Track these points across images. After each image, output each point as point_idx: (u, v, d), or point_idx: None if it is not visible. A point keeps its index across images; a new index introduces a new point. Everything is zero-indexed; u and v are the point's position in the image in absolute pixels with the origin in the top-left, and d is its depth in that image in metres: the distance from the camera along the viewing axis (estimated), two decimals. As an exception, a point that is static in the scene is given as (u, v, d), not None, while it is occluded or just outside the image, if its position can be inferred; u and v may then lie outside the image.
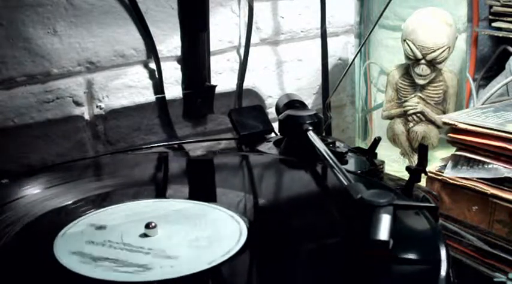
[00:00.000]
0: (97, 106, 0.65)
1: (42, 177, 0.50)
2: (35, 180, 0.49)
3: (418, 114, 0.66)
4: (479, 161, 0.54)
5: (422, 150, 0.46)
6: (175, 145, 0.67)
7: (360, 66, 0.72)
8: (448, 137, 0.57)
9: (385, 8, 0.61)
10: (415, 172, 0.46)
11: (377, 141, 0.54)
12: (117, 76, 0.65)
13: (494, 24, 0.88)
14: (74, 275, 0.34)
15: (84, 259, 0.35)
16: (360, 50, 0.69)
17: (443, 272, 0.32)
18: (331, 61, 0.80)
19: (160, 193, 0.50)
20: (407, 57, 0.64)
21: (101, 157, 0.62)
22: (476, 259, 0.50)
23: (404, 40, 0.64)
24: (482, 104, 0.76)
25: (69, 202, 0.45)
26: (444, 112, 0.65)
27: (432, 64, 0.64)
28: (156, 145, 0.65)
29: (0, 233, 0.39)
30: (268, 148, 0.59)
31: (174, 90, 0.69)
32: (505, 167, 0.51)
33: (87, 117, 0.64)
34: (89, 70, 0.63)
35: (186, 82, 0.70)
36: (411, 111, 0.66)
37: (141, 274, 0.34)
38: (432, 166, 0.57)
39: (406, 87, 0.66)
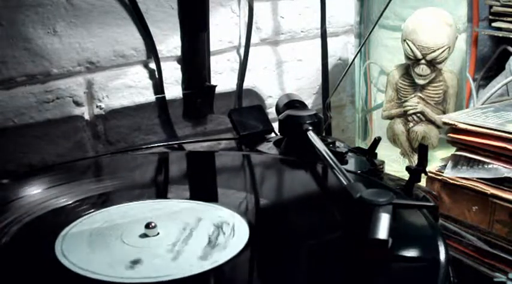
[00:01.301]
0: (97, 106, 0.65)
1: (42, 177, 0.50)
2: (35, 180, 0.49)
3: (418, 114, 0.66)
4: (479, 161, 0.54)
5: (422, 150, 0.46)
6: (175, 145, 0.67)
7: (360, 66, 0.72)
8: (448, 137, 0.57)
9: (385, 8, 0.61)
10: (415, 172, 0.46)
11: (377, 141, 0.54)
12: (117, 76, 0.65)
13: (494, 24, 0.88)
14: (74, 275, 0.34)
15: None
16: (360, 50, 0.69)
17: (443, 272, 0.32)
18: (331, 61, 0.80)
19: (161, 193, 0.50)
20: (407, 57, 0.64)
21: (101, 157, 0.62)
22: (476, 259, 0.50)
23: (404, 40, 0.64)
24: (482, 104, 0.76)
25: (69, 202, 0.45)
26: (444, 112, 0.65)
27: (432, 64, 0.64)
28: (156, 145, 0.65)
29: (0, 233, 0.39)
30: (268, 148, 0.59)
31: (174, 90, 0.69)
32: (505, 167, 0.51)
33: (87, 117, 0.64)
34: (89, 70, 0.63)
35: (186, 82, 0.70)
36: (411, 111, 0.66)
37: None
38: (432, 166, 0.57)
39: (406, 87, 0.66)
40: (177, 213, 0.43)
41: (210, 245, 0.37)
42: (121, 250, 0.37)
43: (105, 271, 0.34)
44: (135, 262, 0.35)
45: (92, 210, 0.43)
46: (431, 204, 0.38)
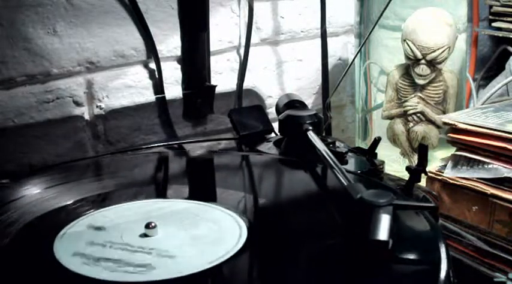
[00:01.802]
0: (97, 106, 0.65)
1: (42, 177, 0.50)
2: (35, 180, 0.49)
3: (418, 114, 0.66)
4: (479, 161, 0.53)
5: (422, 150, 0.46)
6: (175, 145, 0.67)
7: (360, 66, 0.72)
8: (448, 137, 0.56)
9: (385, 8, 0.61)
10: (415, 172, 0.46)
11: (377, 141, 0.54)
12: (117, 76, 0.65)
13: (494, 24, 0.88)
14: (74, 276, 0.34)
15: (84, 260, 0.35)
16: (360, 50, 0.69)
17: (443, 272, 0.32)
18: (331, 61, 0.80)
19: (160, 193, 0.50)
20: (407, 57, 0.64)
21: (101, 157, 0.62)
22: (476, 259, 0.50)
23: (404, 40, 0.64)
24: (482, 104, 0.76)
25: (69, 202, 0.45)
26: (444, 112, 0.65)
27: (432, 64, 0.64)
28: (156, 145, 0.65)
29: (0, 233, 0.39)
30: (268, 148, 0.59)
31: (174, 90, 0.69)
32: (505, 167, 0.51)
33: (87, 117, 0.64)
34: (89, 70, 0.63)
35: (186, 82, 0.70)
36: (411, 111, 0.66)
37: (142, 274, 0.34)
38: (432, 166, 0.57)
39: (406, 87, 0.66)
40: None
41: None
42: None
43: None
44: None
45: (92, 210, 0.43)
46: (432, 205, 0.38)
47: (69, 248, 0.37)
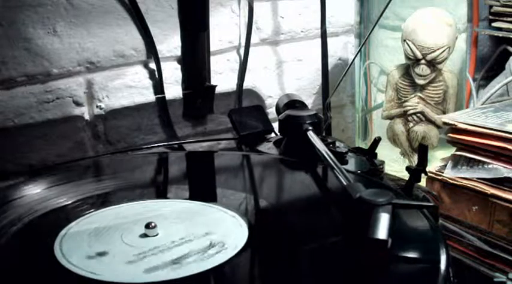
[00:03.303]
0: (97, 106, 0.65)
1: (42, 177, 0.50)
2: (35, 180, 0.49)
3: (418, 114, 0.66)
4: (479, 161, 0.53)
5: (422, 150, 0.46)
6: (175, 145, 0.67)
7: (360, 66, 0.72)
8: (448, 137, 0.56)
9: (385, 8, 0.61)
10: (415, 172, 0.46)
11: (377, 141, 0.54)
12: (117, 76, 0.65)
13: (494, 24, 0.88)
14: (74, 276, 0.34)
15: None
16: (360, 50, 0.69)
17: (443, 272, 0.32)
18: (331, 61, 0.80)
19: (161, 193, 0.50)
20: (407, 57, 0.64)
21: (101, 157, 0.62)
22: (476, 259, 0.50)
23: (404, 40, 0.64)
24: (482, 104, 0.76)
25: (69, 202, 0.45)
26: (444, 112, 0.65)
27: (432, 64, 0.64)
28: (156, 145, 0.65)
29: (0, 233, 0.39)
30: (268, 148, 0.59)
31: (174, 90, 0.69)
32: (505, 167, 0.51)
33: (87, 117, 0.64)
34: (89, 70, 0.63)
35: (186, 82, 0.70)
36: (411, 111, 0.66)
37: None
38: (432, 166, 0.57)
39: (406, 87, 0.66)
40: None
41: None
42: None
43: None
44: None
45: (92, 210, 0.43)
46: (431, 204, 0.38)
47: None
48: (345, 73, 0.68)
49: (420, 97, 0.66)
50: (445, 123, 0.56)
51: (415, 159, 0.67)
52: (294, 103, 0.62)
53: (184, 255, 0.36)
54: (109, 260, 0.35)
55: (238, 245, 0.37)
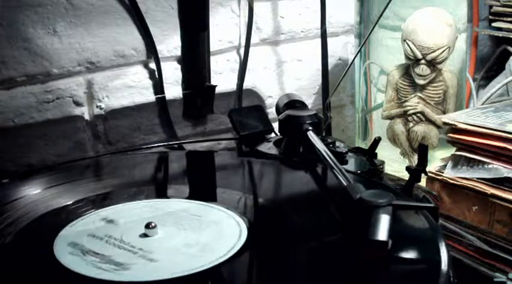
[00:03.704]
0: (97, 106, 0.65)
1: (42, 177, 0.50)
2: (35, 180, 0.49)
3: (418, 114, 0.66)
4: (479, 161, 0.54)
5: (422, 150, 0.46)
6: (175, 145, 0.67)
7: (360, 66, 0.72)
8: (448, 137, 0.57)
9: (385, 8, 0.61)
10: (415, 172, 0.46)
11: (377, 141, 0.54)
12: (117, 76, 0.65)
13: (494, 24, 0.88)
14: (74, 275, 0.34)
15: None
16: (360, 50, 0.69)
17: (443, 272, 0.32)
18: (331, 61, 0.80)
19: (161, 193, 0.50)
20: (407, 57, 0.64)
21: (101, 157, 0.62)
22: (476, 259, 0.50)
23: (404, 40, 0.64)
24: (482, 104, 0.76)
25: (69, 202, 0.45)
26: (444, 112, 0.65)
27: (432, 64, 0.64)
28: (156, 145, 0.65)
29: (0, 233, 0.39)
30: (268, 148, 0.59)
31: (174, 90, 0.69)
32: (505, 167, 0.51)
33: (87, 117, 0.64)
34: (89, 70, 0.63)
35: (186, 82, 0.70)
36: (411, 111, 0.66)
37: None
38: (432, 166, 0.57)
39: (406, 87, 0.66)
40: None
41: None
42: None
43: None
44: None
45: (92, 210, 0.43)
46: (432, 205, 0.38)
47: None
48: (345, 73, 0.68)
49: (420, 97, 0.66)
50: (445, 123, 0.56)
51: (415, 159, 0.67)
52: (294, 103, 0.62)
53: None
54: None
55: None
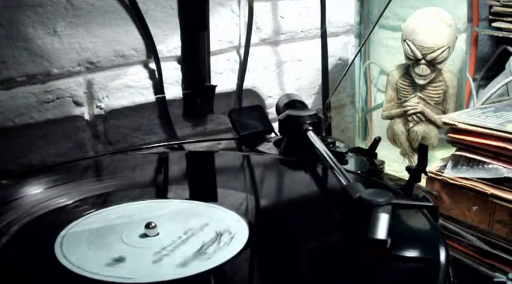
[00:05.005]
0: (97, 106, 0.65)
1: (42, 177, 0.50)
2: (35, 180, 0.49)
3: (418, 114, 0.66)
4: (479, 161, 0.54)
5: (422, 150, 0.46)
6: (175, 145, 0.67)
7: (360, 66, 0.72)
8: (448, 137, 0.57)
9: (385, 8, 0.61)
10: (415, 172, 0.46)
11: (377, 141, 0.54)
12: (117, 76, 0.65)
13: (494, 24, 0.88)
14: (74, 276, 0.34)
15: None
16: (360, 50, 0.69)
17: (443, 272, 0.32)
18: (331, 61, 0.80)
19: (161, 193, 0.50)
20: (407, 57, 0.64)
21: (101, 157, 0.62)
22: (476, 259, 0.50)
23: (404, 40, 0.64)
24: (482, 104, 0.76)
25: (69, 202, 0.45)
26: (444, 112, 0.65)
27: (432, 64, 0.64)
28: (156, 145, 0.65)
29: (0, 233, 0.39)
30: (268, 148, 0.59)
31: (174, 90, 0.69)
32: (505, 167, 0.51)
33: (87, 117, 0.64)
34: (89, 70, 0.63)
35: (186, 82, 0.70)
36: (411, 111, 0.66)
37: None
38: (432, 166, 0.57)
39: (406, 87, 0.66)
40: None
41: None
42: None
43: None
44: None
45: (92, 210, 0.43)
46: (431, 204, 0.38)
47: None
48: (345, 73, 0.68)
49: (420, 97, 0.66)
50: (445, 123, 0.56)
51: (415, 159, 0.67)
52: (294, 103, 0.62)
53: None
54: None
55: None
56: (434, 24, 0.63)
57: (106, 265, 0.35)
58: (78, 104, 0.63)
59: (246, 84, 0.75)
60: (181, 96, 0.70)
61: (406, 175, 0.47)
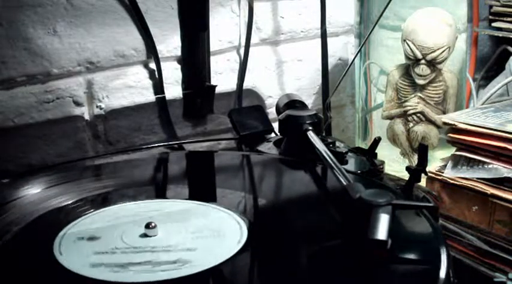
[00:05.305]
0: (97, 106, 0.65)
1: (42, 177, 0.50)
2: (35, 180, 0.49)
3: (418, 114, 0.66)
4: (479, 161, 0.53)
5: (422, 150, 0.46)
6: (175, 145, 0.67)
7: (360, 66, 0.72)
8: (448, 137, 0.56)
9: (385, 8, 0.61)
10: (415, 172, 0.46)
11: (377, 141, 0.54)
12: (117, 76, 0.65)
13: (494, 24, 0.88)
14: (74, 276, 0.34)
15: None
16: (360, 50, 0.69)
17: (443, 272, 0.32)
18: (331, 61, 0.80)
19: (161, 193, 0.50)
20: (407, 57, 0.64)
21: (101, 157, 0.62)
22: (476, 259, 0.50)
23: (404, 40, 0.64)
24: (482, 104, 0.76)
25: (69, 202, 0.45)
26: (444, 112, 0.65)
27: (432, 64, 0.64)
28: (156, 145, 0.65)
29: (0, 233, 0.39)
30: (268, 148, 0.59)
31: (174, 90, 0.69)
32: (505, 167, 0.51)
33: (87, 117, 0.64)
34: (89, 70, 0.63)
35: (186, 82, 0.70)
36: (411, 111, 0.66)
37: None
38: (432, 166, 0.57)
39: (406, 87, 0.66)
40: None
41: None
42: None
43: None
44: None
45: (92, 210, 0.43)
46: (431, 205, 0.38)
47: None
48: (345, 73, 0.68)
49: (420, 97, 0.66)
50: (445, 123, 0.56)
51: (415, 159, 0.67)
52: (294, 103, 0.62)
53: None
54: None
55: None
56: (434, 24, 0.63)
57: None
58: (78, 104, 0.63)
59: (246, 84, 0.75)
60: (181, 96, 0.70)
61: (406, 175, 0.47)
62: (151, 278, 0.33)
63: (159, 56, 0.67)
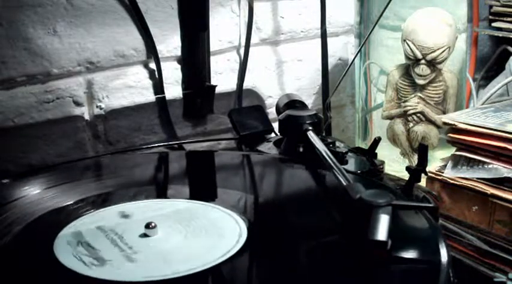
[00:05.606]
0: (97, 106, 0.65)
1: (42, 177, 0.50)
2: (35, 180, 0.49)
3: (418, 114, 0.66)
4: (479, 161, 0.53)
5: (422, 150, 0.46)
6: (175, 145, 0.67)
7: (360, 66, 0.72)
8: (448, 137, 0.56)
9: (385, 8, 0.61)
10: (415, 172, 0.46)
11: (377, 141, 0.54)
12: (117, 76, 0.65)
13: (494, 24, 0.88)
14: (74, 276, 0.34)
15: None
16: (360, 50, 0.69)
17: (443, 272, 0.32)
18: (331, 61, 0.80)
19: (161, 193, 0.50)
20: (407, 57, 0.64)
21: (101, 157, 0.62)
22: (476, 259, 0.50)
23: (404, 40, 0.64)
24: (482, 104, 0.76)
25: (69, 202, 0.45)
26: (444, 112, 0.65)
27: (432, 64, 0.64)
28: (156, 145, 0.65)
29: (0, 233, 0.39)
30: (268, 148, 0.59)
31: (174, 90, 0.69)
32: (505, 167, 0.51)
33: (87, 117, 0.64)
34: (89, 70, 0.63)
35: (186, 82, 0.70)
36: (411, 111, 0.66)
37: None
38: (432, 166, 0.57)
39: (406, 87, 0.66)
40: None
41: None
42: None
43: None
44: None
45: (92, 210, 0.43)
46: (431, 205, 0.38)
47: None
48: (345, 73, 0.68)
49: (420, 97, 0.66)
50: (445, 123, 0.56)
51: (415, 159, 0.67)
52: (294, 103, 0.62)
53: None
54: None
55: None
56: (434, 24, 0.63)
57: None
58: (78, 104, 0.63)
59: (246, 84, 0.75)
60: (181, 96, 0.70)
61: (406, 175, 0.47)
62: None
63: (159, 56, 0.67)
